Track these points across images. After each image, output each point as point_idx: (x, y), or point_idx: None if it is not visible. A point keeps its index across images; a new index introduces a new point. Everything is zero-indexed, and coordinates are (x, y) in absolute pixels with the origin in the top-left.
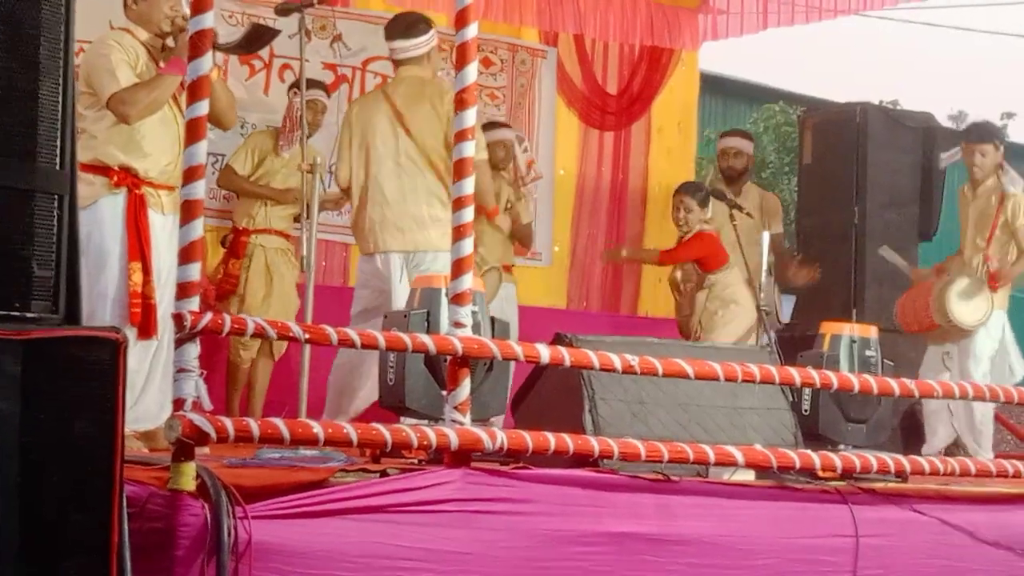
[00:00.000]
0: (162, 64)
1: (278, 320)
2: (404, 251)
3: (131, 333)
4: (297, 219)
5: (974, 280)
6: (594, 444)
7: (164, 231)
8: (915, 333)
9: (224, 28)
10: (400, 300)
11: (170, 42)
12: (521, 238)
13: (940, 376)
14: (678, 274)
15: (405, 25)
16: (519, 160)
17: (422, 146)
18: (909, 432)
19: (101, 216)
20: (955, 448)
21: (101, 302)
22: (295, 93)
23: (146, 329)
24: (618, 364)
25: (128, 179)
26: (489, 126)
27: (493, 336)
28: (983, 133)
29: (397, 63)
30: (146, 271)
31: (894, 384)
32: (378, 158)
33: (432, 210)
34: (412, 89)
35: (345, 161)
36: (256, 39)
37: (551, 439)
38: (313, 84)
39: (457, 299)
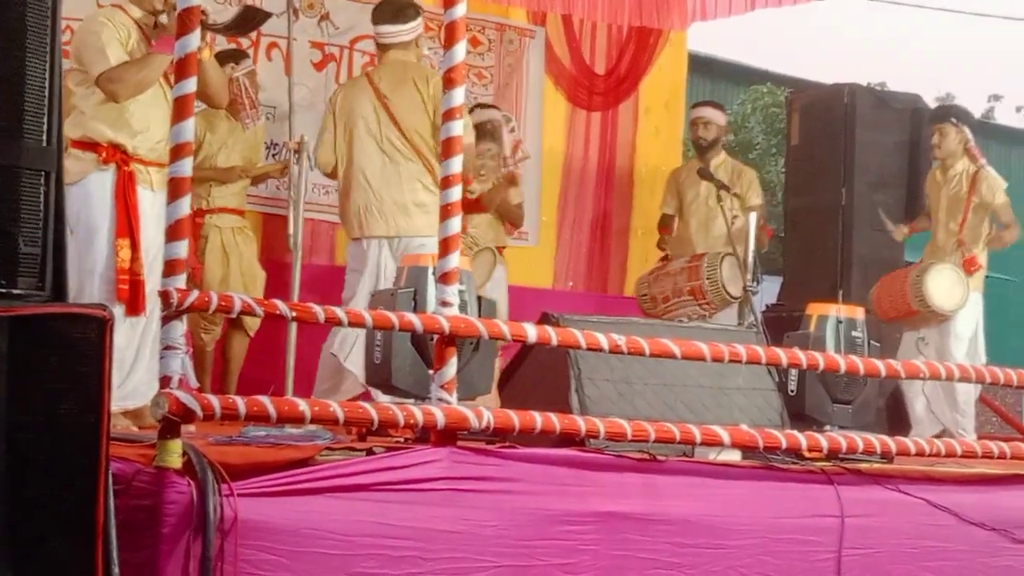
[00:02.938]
0: (154, 42)
1: (264, 298)
2: (388, 236)
3: (119, 310)
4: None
5: (949, 265)
6: (580, 423)
7: (153, 208)
8: (892, 320)
9: (211, 6)
10: (367, 280)
11: (163, 19)
12: (512, 219)
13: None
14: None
15: (394, 10)
16: (505, 141)
17: (406, 131)
18: (894, 414)
19: (90, 192)
20: (942, 436)
21: (89, 278)
22: (233, 68)
23: (134, 306)
24: (605, 344)
25: (117, 155)
26: (476, 107)
27: (480, 315)
28: (940, 114)
29: (383, 48)
30: (134, 248)
31: (880, 365)
32: (362, 143)
33: (416, 196)
34: (397, 74)
35: (328, 145)
36: (248, 20)
37: (537, 418)
38: (243, 55)
39: (444, 278)
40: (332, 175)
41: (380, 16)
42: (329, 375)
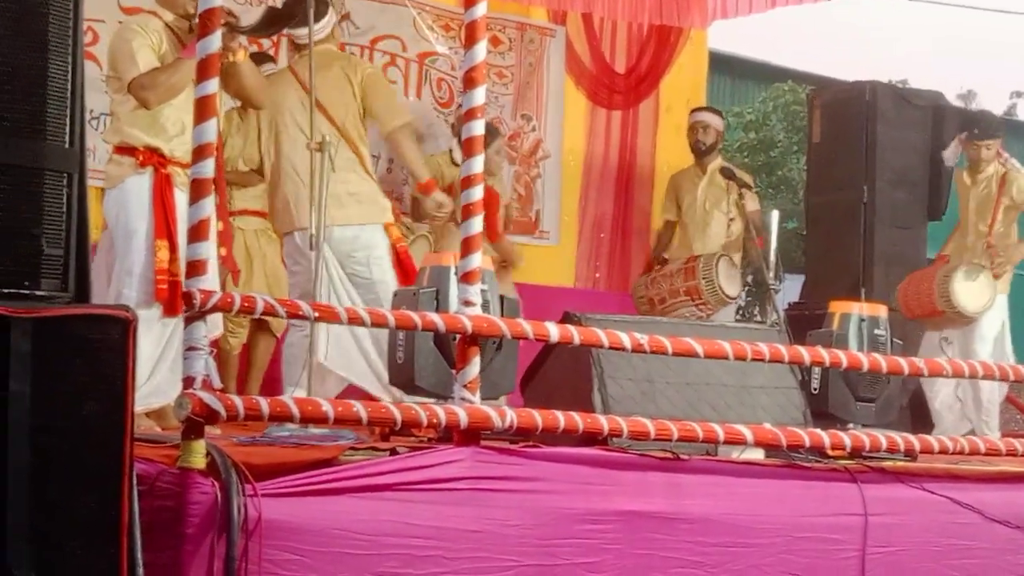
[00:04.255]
0: (187, 46)
1: (287, 298)
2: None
3: (157, 310)
4: None
5: (977, 266)
6: (603, 423)
7: None
8: (917, 318)
9: (235, 7)
10: (330, 276)
11: (196, 23)
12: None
13: None
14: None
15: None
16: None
17: (336, 119)
18: (916, 412)
19: (128, 195)
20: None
21: (127, 279)
22: None
23: (172, 306)
24: (627, 343)
25: (154, 159)
26: None
27: (503, 315)
28: (989, 129)
29: (298, 47)
30: (172, 248)
31: (903, 363)
32: (289, 135)
33: (349, 186)
34: (321, 63)
35: (252, 142)
36: (275, 21)
37: (560, 418)
38: (264, 58)
39: (466, 277)
40: (259, 172)
41: (299, 21)
42: (298, 377)
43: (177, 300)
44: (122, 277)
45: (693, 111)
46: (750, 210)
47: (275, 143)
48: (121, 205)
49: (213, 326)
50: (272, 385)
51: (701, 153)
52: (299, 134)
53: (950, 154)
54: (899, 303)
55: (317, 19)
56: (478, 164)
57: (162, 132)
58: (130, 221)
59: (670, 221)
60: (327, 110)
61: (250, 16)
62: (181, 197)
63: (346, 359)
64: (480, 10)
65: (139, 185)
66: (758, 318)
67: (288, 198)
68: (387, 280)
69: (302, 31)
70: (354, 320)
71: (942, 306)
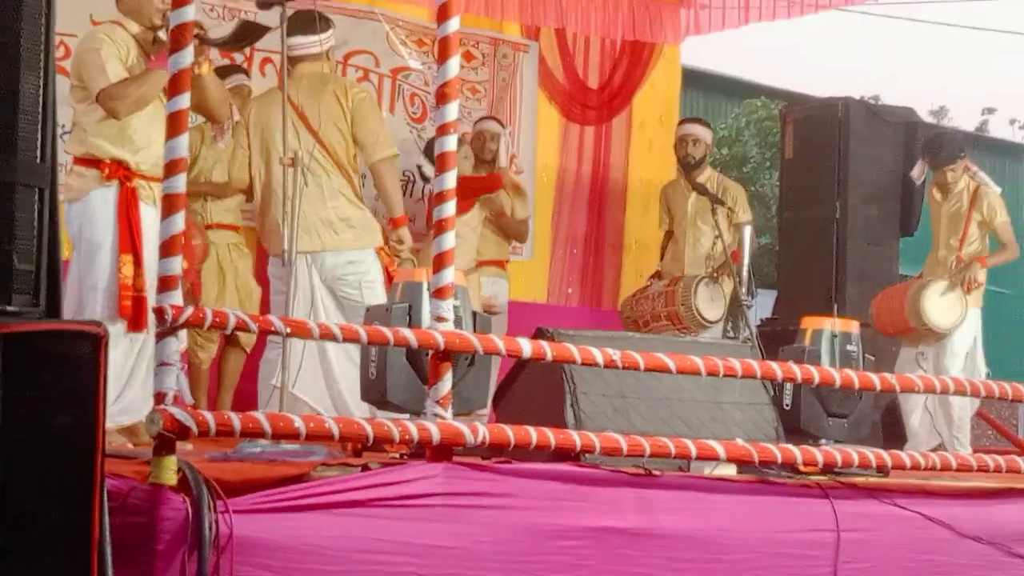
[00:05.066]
0: (153, 57)
1: (259, 314)
2: (313, 251)
3: (121, 326)
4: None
5: (948, 282)
6: (576, 438)
7: (155, 224)
8: (891, 336)
9: (206, 21)
10: (302, 301)
11: (162, 35)
12: (516, 234)
13: None
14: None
15: (303, 22)
16: (502, 154)
17: (327, 143)
18: (890, 431)
19: (92, 209)
20: (938, 449)
21: (92, 294)
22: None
23: (137, 322)
24: (600, 358)
25: (120, 171)
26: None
27: (475, 330)
28: (949, 154)
29: (292, 60)
30: (137, 263)
31: (875, 379)
32: (278, 156)
33: (340, 211)
34: (314, 85)
35: (242, 161)
36: (245, 35)
37: (533, 433)
38: (235, 69)
39: (439, 293)
40: (248, 193)
41: (290, 29)
42: (267, 402)
43: (142, 316)
44: (87, 292)
45: (681, 122)
46: (740, 220)
47: (265, 164)
48: (85, 218)
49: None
50: (245, 400)
51: (689, 167)
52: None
53: (916, 173)
54: (873, 319)
55: (316, 32)
56: (450, 180)
57: (128, 144)
58: (95, 235)
59: (669, 231)
60: (318, 134)
61: (222, 29)
62: (146, 211)
63: (315, 390)
64: (453, 25)
65: (104, 198)
66: (731, 334)
67: (277, 219)
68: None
69: (296, 40)
70: (326, 335)
71: (913, 322)
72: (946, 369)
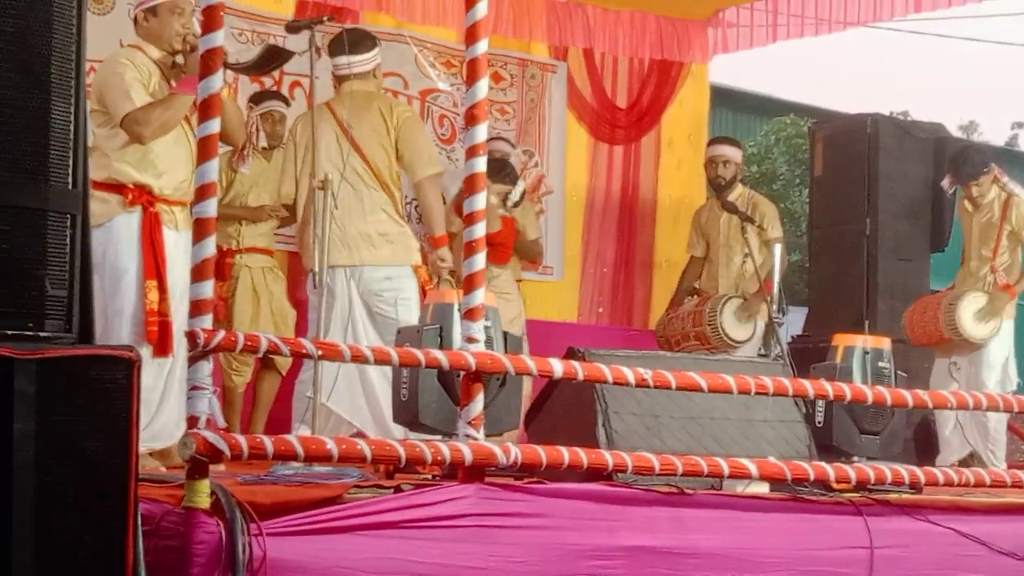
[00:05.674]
0: (173, 82)
1: (290, 337)
2: (352, 265)
3: (147, 351)
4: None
5: (983, 293)
6: (608, 458)
7: (179, 248)
8: (924, 346)
9: (234, 46)
10: (338, 314)
11: (179, 59)
12: (529, 255)
13: (948, 387)
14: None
15: (351, 41)
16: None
17: (370, 160)
18: (922, 444)
19: (116, 234)
20: (970, 459)
21: (117, 320)
22: (251, 108)
23: (162, 347)
24: (631, 378)
25: (143, 197)
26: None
27: (506, 351)
28: (973, 170)
29: (339, 79)
30: (162, 289)
31: (907, 395)
32: (323, 173)
33: (380, 226)
34: (359, 103)
35: (290, 176)
36: (271, 60)
37: (565, 453)
38: (269, 95)
39: (469, 314)
40: (290, 211)
41: (336, 48)
42: (303, 415)
43: (167, 341)
44: (112, 317)
45: (711, 143)
46: (771, 236)
47: (309, 181)
48: (109, 244)
49: None
50: (279, 424)
51: (720, 188)
52: (334, 172)
53: (947, 184)
54: (906, 330)
55: (363, 51)
56: (480, 201)
57: (151, 168)
58: (119, 260)
59: (695, 257)
60: (362, 150)
61: (249, 53)
62: (170, 235)
63: (351, 403)
64: (482, 47)
65: (128, 224)
66: (762, 351)
67: (319, 236)
68: (412, 322)
69: (344, 59)
70: (357, 358)
71: (948, 333)
72: (982, 381)
